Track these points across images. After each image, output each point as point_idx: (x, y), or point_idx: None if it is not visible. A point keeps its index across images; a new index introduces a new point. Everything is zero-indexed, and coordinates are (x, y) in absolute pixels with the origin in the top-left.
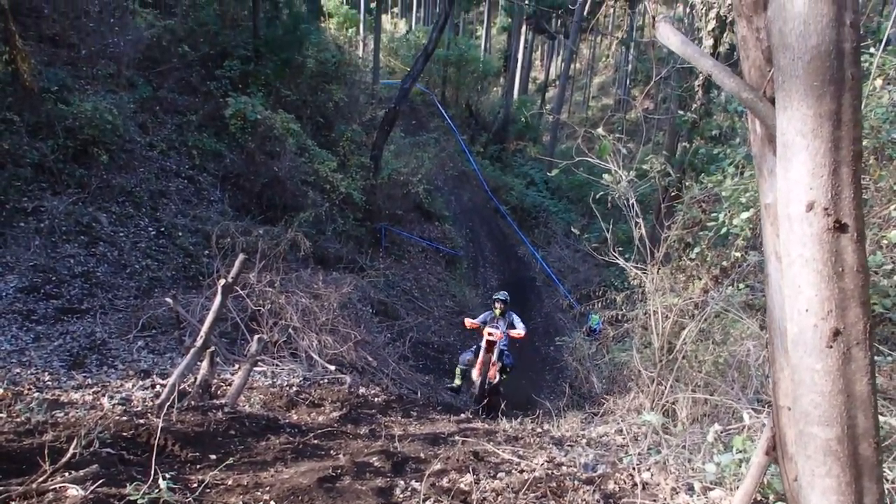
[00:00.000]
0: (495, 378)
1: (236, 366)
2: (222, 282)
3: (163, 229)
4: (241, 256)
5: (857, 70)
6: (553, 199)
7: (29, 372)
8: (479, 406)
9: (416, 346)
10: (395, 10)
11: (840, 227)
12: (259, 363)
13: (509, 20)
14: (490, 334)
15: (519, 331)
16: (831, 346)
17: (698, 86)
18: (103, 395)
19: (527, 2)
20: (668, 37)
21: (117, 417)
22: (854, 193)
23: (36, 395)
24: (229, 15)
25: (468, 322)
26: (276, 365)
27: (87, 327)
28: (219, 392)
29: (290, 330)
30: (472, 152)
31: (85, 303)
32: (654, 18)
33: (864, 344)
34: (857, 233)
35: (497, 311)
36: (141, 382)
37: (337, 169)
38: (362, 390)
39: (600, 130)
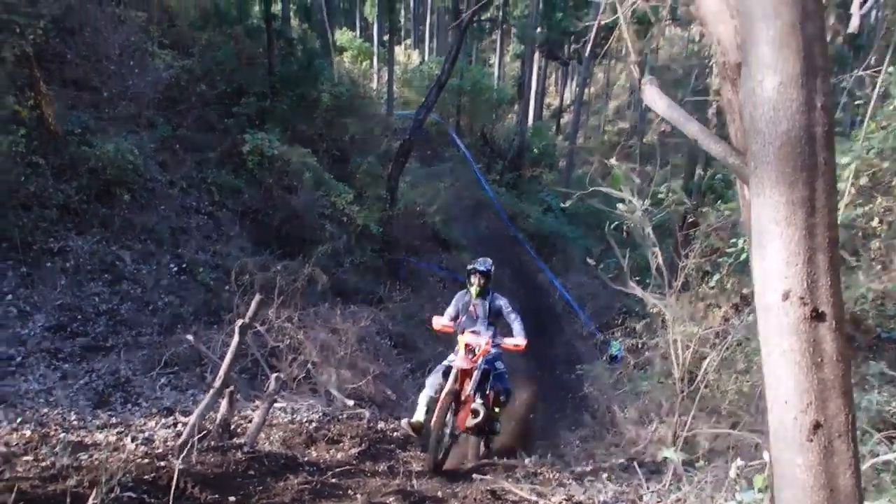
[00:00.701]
0: (470, 422)
1: (256, 402)
2: (239, 322)
3: (184, 266)
4: (257, 297)
5: (829, 155)
6: (570, 224)
7: (56, 412)
8: (433, 469)
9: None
10: (409, 41)
11: (817, 316)
12: (278, 399)
13: (522, 47)
14: (469, 345)
15: (517, 339)
16: (812, 440)
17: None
18: (126, 436)
19: (539, 29)
20: (655, 100)
21: (139, 460)
22: (831, 281)
23: (62, 435)
24: (245, 53)
25: (437, 323)
26: (296, 401)
27: (111, 365)
28: (239, 430)
29: (308, 365)
30: (488, 180)
31: (110, 340)
32: (640, 81)
33: (847, 436)
34: (835, 321)
35: (474, 291)
36: (163, 421)
37: (353, 201)
38: (381, 425)
39: (613, 161)
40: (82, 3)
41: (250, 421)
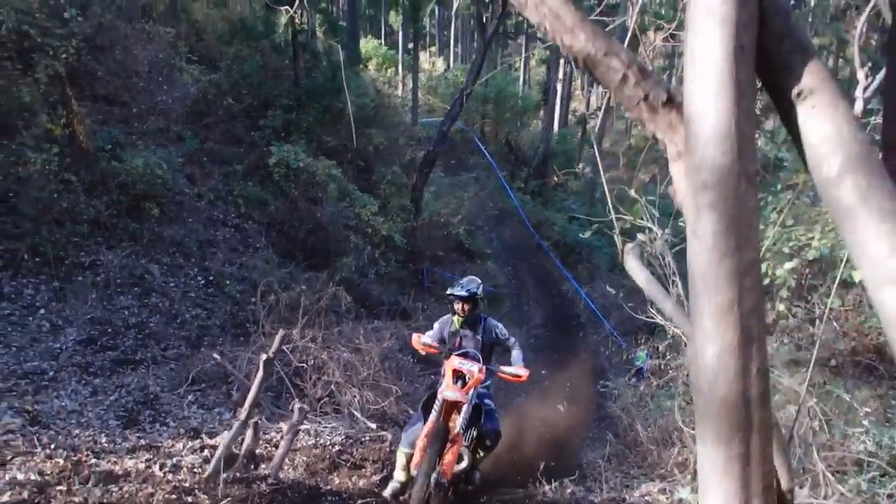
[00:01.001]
0: (455, 468)
1: (280, 424)
2: (264, 357)
3: (211, 278)
4: (280, 332)
5: (765, 412)
6: (596, 233)
7: (87, 434)
8: None
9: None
10: (433, 48)
11: None
12: (305, 418)
13: (548, 52)
14: (458, 371)
15: (517, 368)
16: None
17: None
18: (155, 463)
19: None
20: (635, 271)
21: (166, 495)
22: None
23: (93, 461)
24: (271, 66)
25: (418, 342)
26: (319, 422)
27: (140, 380)
28: (264, 453)
29: (332, 386)
30: (513, 188)
31: (139, 353)
32: (621, 252)
33: None
34: None
35: (457, 321)
36: (190, 444)
37: (378, 212)
38: None
39: (633, 192)
40: (113, 21)
41: (275, 445)
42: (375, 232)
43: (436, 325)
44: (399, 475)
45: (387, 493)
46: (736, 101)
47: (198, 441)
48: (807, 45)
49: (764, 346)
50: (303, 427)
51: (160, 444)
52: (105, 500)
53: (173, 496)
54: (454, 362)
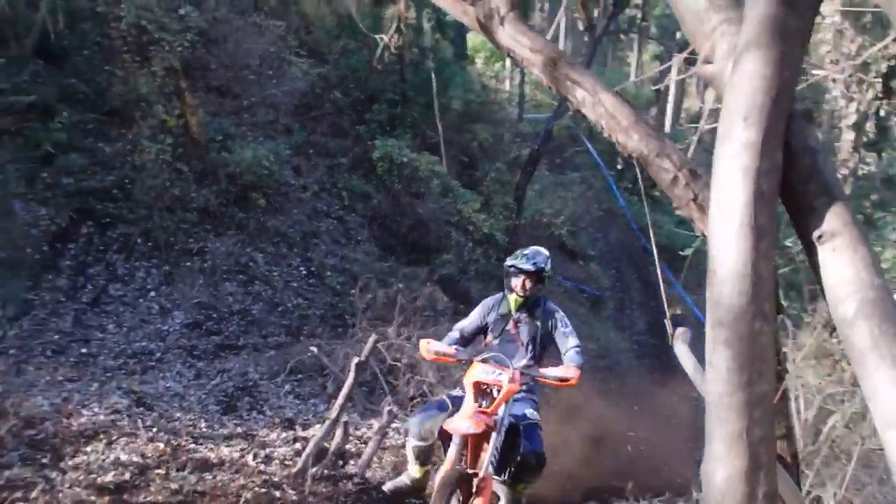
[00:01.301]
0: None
1: (371, 421)
2: (356, 360)
3: (313, 269)
4: (372, 337)
5: None
6: (704, 238)
7: (188, 418)
8: None
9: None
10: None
11: None
12: (394, 419)
13: (661, 48)
14: (482, 385)
15: (564, 369)
16: None
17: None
18: (249, 452)
19: (679, 34)
20: (683, 357)
21: (256, 488)
22: None
23: (192, 446)
24: (378, 61)
25: (428, 349)
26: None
27: (241, 366)
28: (354, 450)
29: (424, 386)
30: (620, 189)
31: (241, 339)
32: (671, 335)
33: None
34: None
35: (514, 301)
36: (284, 435)
37: (480, 209)
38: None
39: None
40: (226, 15)
41: (365, 442)
42: (477, 229)
43: (475, 312)
44: (413, 470)
45: (387, 486)
46: (754, 245)
47: (291, 432)
48: (832, 186)
49: (773, 472)
50: (392, 425)
51: (255, 433)
52: (198, 489)
53: (262, 490)
54: (478, 372)
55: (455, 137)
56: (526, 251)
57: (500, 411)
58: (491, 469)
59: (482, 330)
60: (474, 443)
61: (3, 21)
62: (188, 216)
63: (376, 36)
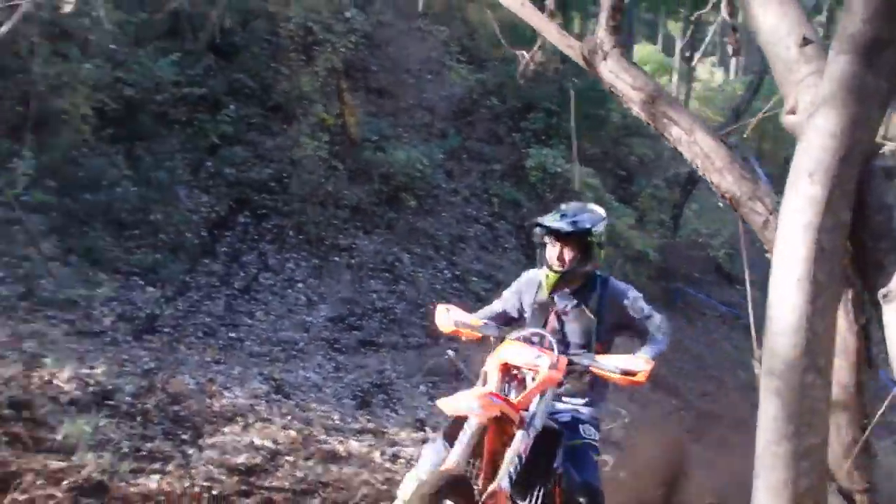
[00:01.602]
0: None
1: None
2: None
3: (458, 273)
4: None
5: None
6: None
7: (322, 409)
8: None
9: (703, 418)
10: (714, 57)
11: None
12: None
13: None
14: (509, 366)
15: (627, 361)
16: None
17: None
18: (377, 448)
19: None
20: None
21: (379, 486)
22: None
23: (322, 437)
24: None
25: (442, 317)
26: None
27: (379, 363)
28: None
29: None
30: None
31: (381, 337)
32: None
33: None
34: None
35: (549, 278)
36: (413, 435)
37: (634, 225)
38: (622, 474)
39: None
40: (391, 19)
41: None
42: (628, 245)
43: (510, 288)
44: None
45: None
46: (811, 300)
47: (421, 433)
48: None
49: None
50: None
51: (386, 430)
52: (322, 480)
53: (384, 487)
54: (508, 350)
55: (612, 150)
56: (564, 207)
57: (533, 406)
58: (507, 483)
59: (517, 317)
60: (493, 447)
61: (181, 17)
62: (340, 213)
63: (517, 52)
